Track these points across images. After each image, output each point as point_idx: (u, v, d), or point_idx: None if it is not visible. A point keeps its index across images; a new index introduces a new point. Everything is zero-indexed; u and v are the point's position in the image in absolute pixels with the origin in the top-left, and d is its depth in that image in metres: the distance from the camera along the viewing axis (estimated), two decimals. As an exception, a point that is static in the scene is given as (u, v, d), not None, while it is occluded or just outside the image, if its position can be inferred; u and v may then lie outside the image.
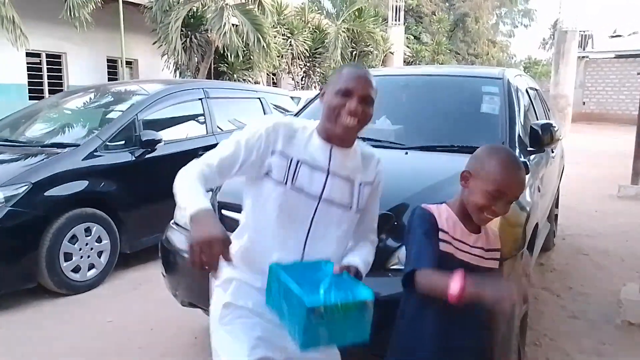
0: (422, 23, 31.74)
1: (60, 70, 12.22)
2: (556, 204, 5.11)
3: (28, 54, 11.12)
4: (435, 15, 32.07)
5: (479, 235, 1.59)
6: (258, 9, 13.09)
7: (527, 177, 1.59)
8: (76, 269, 3.78)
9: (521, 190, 1.55)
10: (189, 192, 1.40)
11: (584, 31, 22.66)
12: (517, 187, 1.53)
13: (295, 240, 1.54)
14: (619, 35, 26.03)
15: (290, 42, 16.13)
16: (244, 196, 1.63)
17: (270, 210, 1.52)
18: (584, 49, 23.43)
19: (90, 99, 5.10)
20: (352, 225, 1.63)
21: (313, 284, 1.34)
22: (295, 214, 1.53)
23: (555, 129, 3.20)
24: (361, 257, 1.62)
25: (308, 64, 18.35)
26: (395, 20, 23.80)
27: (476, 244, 1.58)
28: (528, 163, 2.66)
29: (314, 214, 1.54)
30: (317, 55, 18.18)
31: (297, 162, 1.53)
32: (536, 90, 4.50)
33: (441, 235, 1.54)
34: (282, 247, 1.52)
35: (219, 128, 4.99)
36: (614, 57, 23.78)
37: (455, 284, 1.31)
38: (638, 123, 7.68)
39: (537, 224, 2.89)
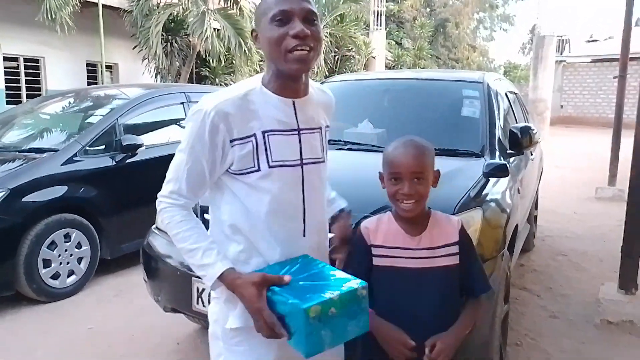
0: (403, 28, 31.94)
1: (38, 75, 12.02)
2: (535, 206, 5.18)
3: (5, 59, 10.92)
4: (416, 20, 32.30)
5: (421, 236, 1.50)
6: (239, 14, 13.05)
7: (430, 155, 1.51)
8: (55, 276, 3.72)
9: (417, 164, 1.46)
10: (195, 249, 1.29)
11: (561, 36, 23.06)
12: (411, 161, 1.46)
13: (294, 218, 1.37)
14: (595, 40, 26.59)
15: (276, 46, 16.10)
16: (216, 199, 1.41)
17: (257, 206, 1.33)
18: (561, 54, 23.83)
19: (70, 103, 5.03)
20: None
21: (299, 287, 1.25)
22: (286, 192, 1.34)
23: (534, 131, 3.27)
24: (338, 195, 1.63)
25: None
26: (377, 25, 23.92)
27: (420, 245, 1.49)
28: (508, 165, 2.70)
29: (302, 182, 1.36)
30: (299, 60, 18.18)
31: (263, 134, 1.29)
32: (515, 94, 4.57)
33: (375, 251, 1.50)
34: (283, 235, 1.36)
35: (201, 132, 4.94)
36: (591, 62, 24.22)
37: None
38: (614, 126, 7.82)
39: (517, 226, 2.93)
